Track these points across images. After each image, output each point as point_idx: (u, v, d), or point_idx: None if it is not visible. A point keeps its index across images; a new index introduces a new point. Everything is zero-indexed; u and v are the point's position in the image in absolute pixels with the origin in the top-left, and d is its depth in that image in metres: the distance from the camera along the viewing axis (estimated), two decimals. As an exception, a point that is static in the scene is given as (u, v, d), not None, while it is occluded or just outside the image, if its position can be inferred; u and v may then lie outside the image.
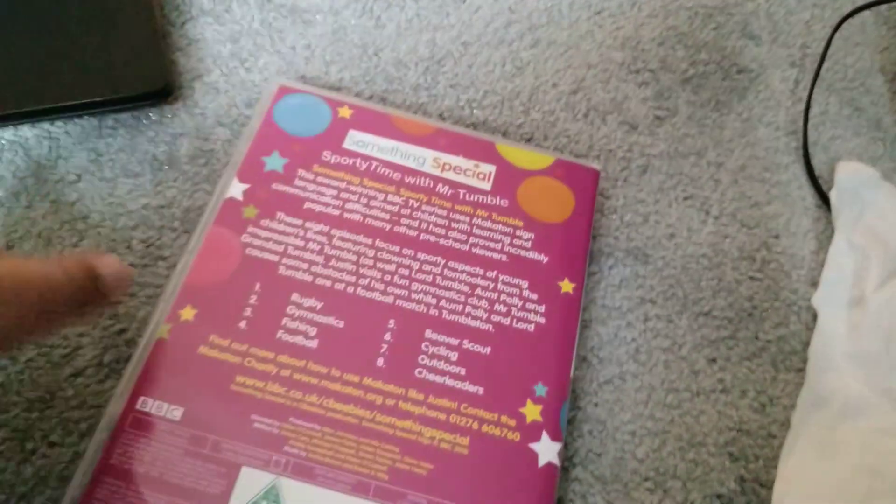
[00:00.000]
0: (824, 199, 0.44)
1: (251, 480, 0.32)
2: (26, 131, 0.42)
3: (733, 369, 0.39)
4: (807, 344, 0.40)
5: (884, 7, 0.52)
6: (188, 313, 0.36)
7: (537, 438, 0.35)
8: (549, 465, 0.34)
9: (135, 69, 0.42)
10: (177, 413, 0.33)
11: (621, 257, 0.41)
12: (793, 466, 0.36)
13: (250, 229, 0.38)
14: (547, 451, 0.35)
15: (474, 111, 0.45)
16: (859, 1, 0.51)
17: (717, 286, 0.41)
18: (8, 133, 0.41)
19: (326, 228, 0.39)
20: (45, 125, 0.42)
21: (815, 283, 0.42)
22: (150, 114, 0.43)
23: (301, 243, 0.38)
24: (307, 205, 0.39)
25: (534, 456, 0.34)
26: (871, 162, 0.45)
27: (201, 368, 0.35)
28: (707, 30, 0.49)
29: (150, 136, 0.42)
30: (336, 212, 0.39)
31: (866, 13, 0.51)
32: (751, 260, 0.42)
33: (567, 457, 0.36)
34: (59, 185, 0.40)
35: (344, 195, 0.40)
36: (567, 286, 0.38)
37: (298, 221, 0.39)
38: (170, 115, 0.43)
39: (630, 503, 0.36)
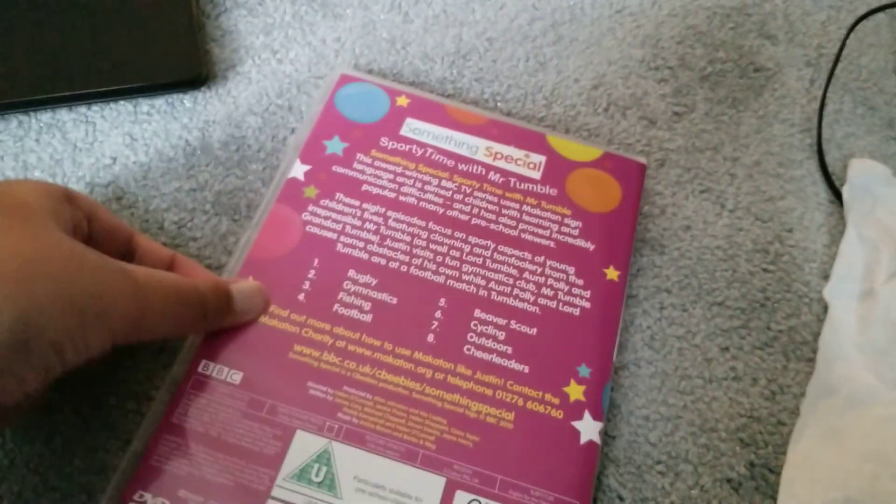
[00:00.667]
0: (837, 195, 0.45)
1: (305, 444, 0.34)
2: (63, 115, 0.43)
3: (745, 358, 0.40)
4: (817, 335, 0.41)
5: (899, 9, 0.53)
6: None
7: (580, 417, 0.36)
8: (591, 442, 0.36)
9: (171, 58, 0.44)
10: (236, 377, 0.35)
11: (639, 247, 0.42)
12: (801, 452, 0.37)
13: (310, 208, 0.40)
14: (589, 429, 0.36)
15: (498, 104, 0.46)
16: (874, 3, 0.52)
17: (731, 277, 0.42)
18: (46, 116, 0.43)
19: (382, 210, 0.40)
20: (83, 109, 0.43)
21: (826, 276, 0.43)
22: (184, 101, 0.44)
23: (358, 223, 0.40)
24: (364, 187, 0.41)
25: (576, 433, 0.36)
26: (884, 159, 0.47)
27: (261, 337, 0.36)
28: (725, 29, 0.50)
29: (184, 122, 0.43)
30: (392, 195, 0.41)
31: (881, 15, 0.52)
32: (764, 252, 0.43)
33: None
34: (95, 167, 0.42)
35: (400, 179, 0.41)
36: (612, 273, 0.40)
37: (356, 202, 0.40)
38: (203, 103, 0.44)
39: (642, 485, 0.37)
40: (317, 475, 0.33)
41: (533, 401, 0.36)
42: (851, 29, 0.50)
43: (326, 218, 0.40)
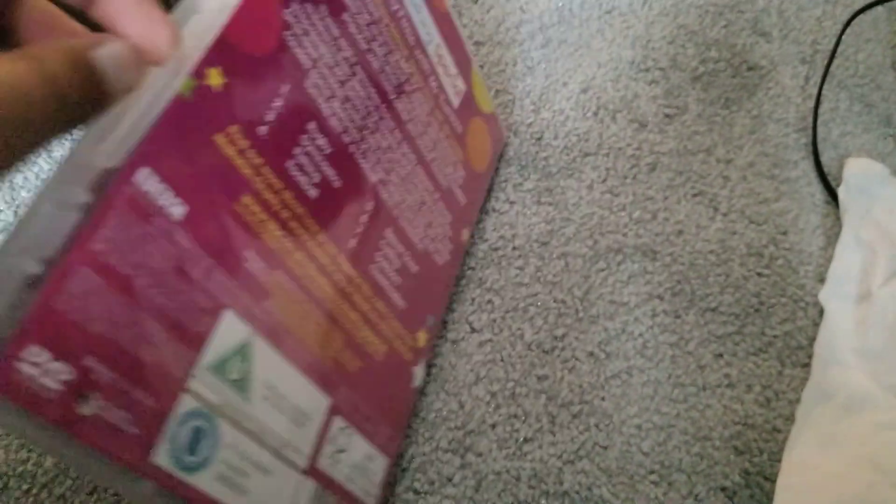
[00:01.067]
0: (833, 196, 0.44)
1: (231, 329, 0.27)
2: None
3: (739, 364, 0.39)
4: (813, 339, 0.40)
5: (895, 2, 0.52)
6: (216, 78, 0.26)
7: (417, 364, 0.38)
8: (417, 389, 0.38)
9: None
10: (178, 211, 0.25)
11: (630, 253, 0.42)
12: (796, 460, 0.37)
13: (293, 7, 0.29)
14: (419, 377, 0.38)
15: (485, 110, 0.46)
16: (871, -3, 0.51)
17: (725, 282, 0.41)
18: None
19: (353, 58, 0.32)
20: None
21: (822, 279, 0.42)
22: None
23: (331, 61, 0.31)
24: (345, 16, 0.32)
25: (412, 377, 0.37)
26: (881, 158, 0.46)
27: (214, 164, 0.26)
28: (717, 27, 0.49)
29: None
30: (365, 44, 0.33)
31: (879, 9, 0.51)
32: (758, 256, 0.42)
33: (573, 450, 0.37)
34: None
35: (374, 29, 0.33)
36: (466, 234, 0.41)
37: (335, 30, 0.31)
38: None
39: (635, 495, 0.36)
40: (233, 372, 0.27)
41: (400, 339, 0.36)
42: (847, 24, 0.49)
43: (304, 33, 0.30)
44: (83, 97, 0.22)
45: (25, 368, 0.20)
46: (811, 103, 0.47)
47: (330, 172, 0.31)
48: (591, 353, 0.39)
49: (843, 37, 0.49)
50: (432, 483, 0.37)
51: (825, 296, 0.41)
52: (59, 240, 0.21)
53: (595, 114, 0.46)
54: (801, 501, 0.36)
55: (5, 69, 0.20)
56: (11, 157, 0.22)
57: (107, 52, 0.23)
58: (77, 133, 0.23)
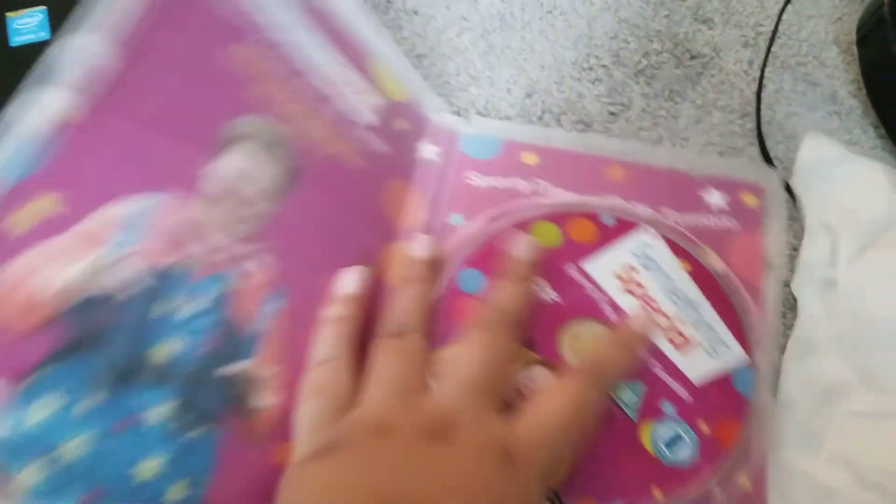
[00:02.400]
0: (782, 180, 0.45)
1: None
2: None
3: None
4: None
5: (837, -25, 0.52)
6: None
7: None
8: None
9: None
10: None
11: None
12: (783, 461, 0.37)
13: None
14: None
15: (430, 126, 0.46)
16: (811, -28, 0.51)
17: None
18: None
19: None
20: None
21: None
22: None
23: None
24: None
25: None
26: (827, 135, 0.46)
27: None
28: (659, 18, 0.50)
29: None
30: None
31: (820, -17, 0.51)
32: (709, 248, 0.43)
33: None
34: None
35: None
36: None
37: None
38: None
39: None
40: None
41: None
42: (787, 2, 0.49)
43: None
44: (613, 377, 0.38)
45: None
46: (755, 87, 0.48)
47: None
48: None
49: (784, 16, 0.49)
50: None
51: (797, 285, 0.42)
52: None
53: (540, 118, 0.46)
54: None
55: (568, 408, 0.33)
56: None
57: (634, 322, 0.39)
58: None
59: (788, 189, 0.44)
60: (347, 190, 0.39)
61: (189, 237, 0.31)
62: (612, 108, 0.47)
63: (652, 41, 0.49)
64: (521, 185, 0.43)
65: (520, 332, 0.36)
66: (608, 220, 0.41)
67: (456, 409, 0.31)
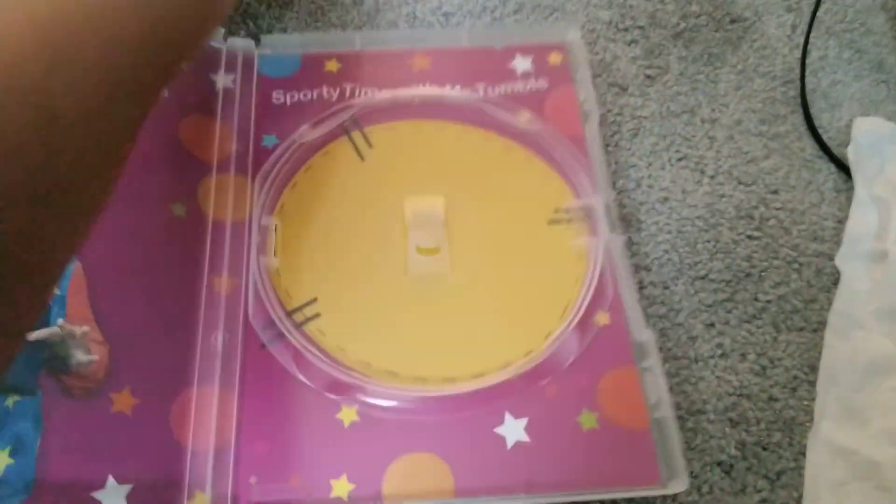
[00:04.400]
0: (825, 149, 0.42)
1: None
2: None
3: (732, 333, 0.38)
4: (809, 301, 0.39)
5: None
6: None
7: None
8: None
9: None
10: None
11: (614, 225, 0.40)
12: (821, 444, 0.35)
13: None
14: None
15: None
16: (859, -66, 0.49)
17: (714, 248, 0.40)
18: None
19: None
20: None
21: (816, 238, 0.40)
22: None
23: None
24: None
25: None
26: (874, 105, 0.44)
27: None
28: (698, -22, 0.47)
29: None
30: None
31: (867, -53, 0.49)
32: (748, 219, 0.41)
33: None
34: None
35: None
36: None
37: None
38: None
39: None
40: None
41: None
42: (834, -35, 0.47)
43: None
44: None
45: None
46: (798, 53, 0.45)
47: None
48: (579, 332, 0.38)
49: (830, -21, 0.47)
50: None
51: (841, 259, 0.40)
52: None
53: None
54: (828, 479, 0.35)
55: None
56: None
57: None
58: None
59: (839, 163, 0.42)
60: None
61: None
62: (648, 72, 0.44)
63: (691, 3, 0.47)
64: (327, 93, 0.42)
65: None
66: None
67: None
